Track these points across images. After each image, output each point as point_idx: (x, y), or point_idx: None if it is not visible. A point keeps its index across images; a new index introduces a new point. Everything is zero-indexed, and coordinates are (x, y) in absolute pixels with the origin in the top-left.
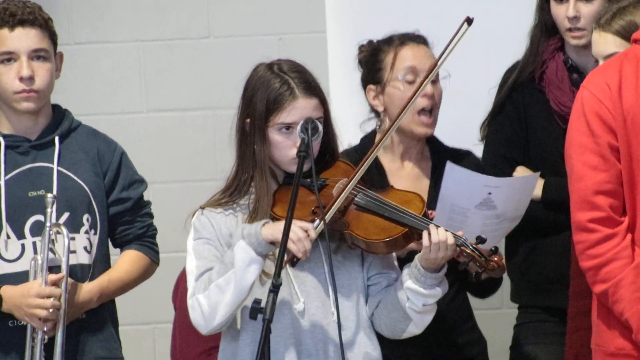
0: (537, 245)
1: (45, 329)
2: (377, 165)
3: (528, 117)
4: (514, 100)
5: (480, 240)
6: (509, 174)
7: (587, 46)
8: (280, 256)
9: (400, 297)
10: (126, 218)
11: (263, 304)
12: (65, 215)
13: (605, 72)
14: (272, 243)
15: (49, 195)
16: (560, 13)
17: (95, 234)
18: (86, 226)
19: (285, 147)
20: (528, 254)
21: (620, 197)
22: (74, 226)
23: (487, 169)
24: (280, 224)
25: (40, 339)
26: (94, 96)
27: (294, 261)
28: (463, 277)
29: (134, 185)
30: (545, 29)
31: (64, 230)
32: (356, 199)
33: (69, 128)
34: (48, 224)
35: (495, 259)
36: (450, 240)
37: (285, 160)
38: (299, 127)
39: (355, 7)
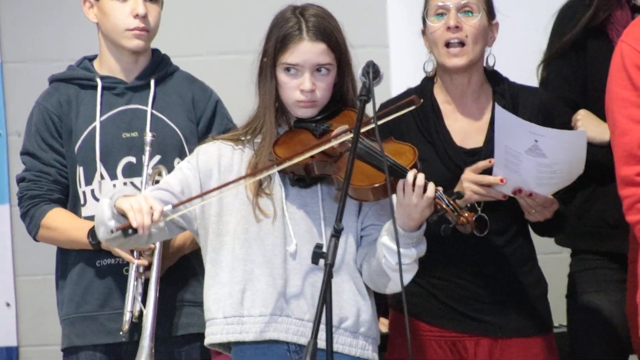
0: (596, 190)
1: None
2: (433, 107)
3: (589, 61)
4: (576, 43)
5: (458, 195)
6: (570, 116)
7: None
8: (342, 201)
9: (378, 252)
10: None
11: (324, 249)
12: (157, 158)
13: None
14: (124, 215)
15: (149, 133)
16: None
17: None
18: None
19: (289, 89)
20: (587, 199)
21: None
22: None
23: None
24: (133, 198)
25: (134, 275)
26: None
27: (128, 232)
28: (522, 218)
29: None
30: None
31: (164, 171)
32: (350, 146)
33: (165, 72)
34: (146, 163)
35: (466, 214)
36: (430, 192)
37: (289, 102)
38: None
39: None
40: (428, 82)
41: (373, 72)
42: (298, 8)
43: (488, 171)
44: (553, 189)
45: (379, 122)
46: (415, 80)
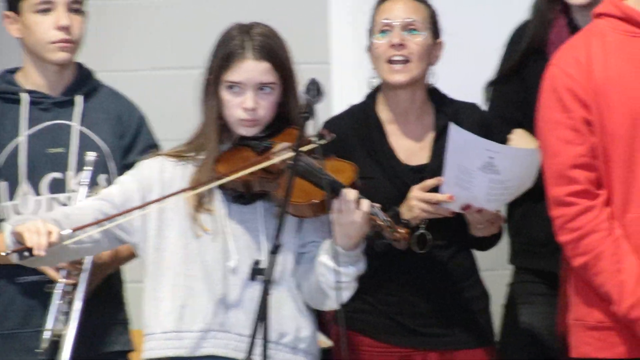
0: (529, 208)
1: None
2: (376, 125)
3: (531, 82)
4: (520, 65)
5: (394, 211)
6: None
7: (590, 5)
8: (281, 218)
9: (317, 270)
10: None
11: (263, 265)
12: (82, 174)
13: (574, 48)
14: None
15: (92, 153)
16: None
17: None
18: (102, 187)
19: (231, 107)
20: (521, 217)
21: (596, 170)
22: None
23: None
24: (28, 224)
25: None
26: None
27: (24, 255)
28: (464, 232)
29: (152, 150)
30: None
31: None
32: (290, 163)
33: (91, 87)
34: (87, 182)
35: (402, 231)
36: (365, 208)
37: (232, 120)
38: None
39: None
40: (371, 100)
41: (315, 89)
42: (244, 26)
43: (435, 188)
44: (501, 204)
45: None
46: (356, 97)
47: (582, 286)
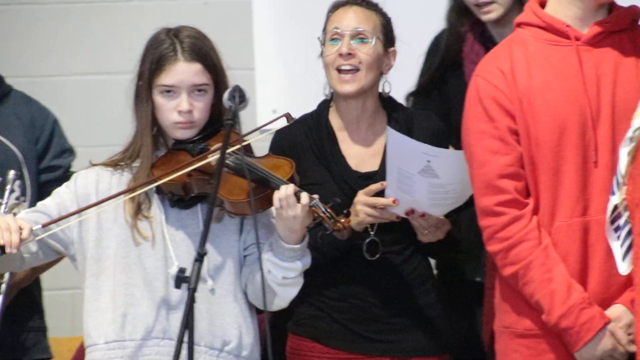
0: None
1: None
2: (328, 132)
3: (449, 94)
4: (437, 77)
5: (334, 202)
6: None
7: (500, 20)
8: (206, 225)
9: (262, 268)
10: (56, 186)
11: (188, 273)
12: None
13: (497, 58)
14: None
15: (12, 172)
16: None
17: (25, 200)
18: (17, 192)
19: (166, 110)
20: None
21: (524, 179)
22: (3, 191)
23: None
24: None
25: None
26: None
27: None
28: (417, 239)
29: (65, 154)
30: (460, 9)
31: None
32: (227, 162)
33: (2, 92)
34: (5, 200)
35: (343, 220)
36: (305, 201)
37: (167, 124)
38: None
39: None
40: (325, 107)
41: (239, 96)
42: (172, 30)
43: (382, 194)
44: (446, 209)
45: (249, 138)
46: (281, 103)
47: (510, 294)
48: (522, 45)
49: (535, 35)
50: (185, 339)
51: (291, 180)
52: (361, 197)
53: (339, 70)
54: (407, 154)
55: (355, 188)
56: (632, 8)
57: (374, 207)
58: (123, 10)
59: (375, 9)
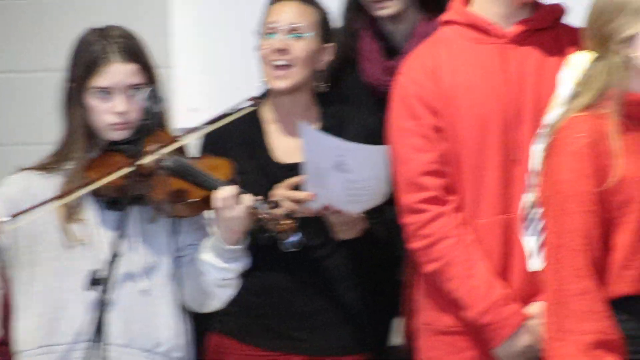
0: None
1: None
2: (258, 123)
3: (349, 95)
4: (333, 80)
5: (275, 204)
6: None
7: (396, 16)
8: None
9: (201, 269)
10: None
11: (100, 275)
12: None
13: (421, 56)
14: None
15: None
16: None
17: None
18: None
19: (101, 112)
20: None
21: (447, 177)
22: None
23: None
24: None
25: None
26: None
27: None
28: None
29: None
30: (355, 7)
31: None
32: (164, 164)
33: None
34: None
35: (287, 221)
36: (247, 202)
37: (102, 125)
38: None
39: None
40: (261, 98)
41: (154, 96)
42: (101, 30)
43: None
44: (362, 206)
45: (215, 125)
46: (199, 102)
47: (431, 291)
48: (446, 44)
49: (460, 33)
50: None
51: (231, 181)
52: (279, 190)
53: (273, 65)
54: (321, 149)
55: (276, 179)
56: (556, 6)
57: (292, 200)
58: (37, 6)
59: (314, 4)
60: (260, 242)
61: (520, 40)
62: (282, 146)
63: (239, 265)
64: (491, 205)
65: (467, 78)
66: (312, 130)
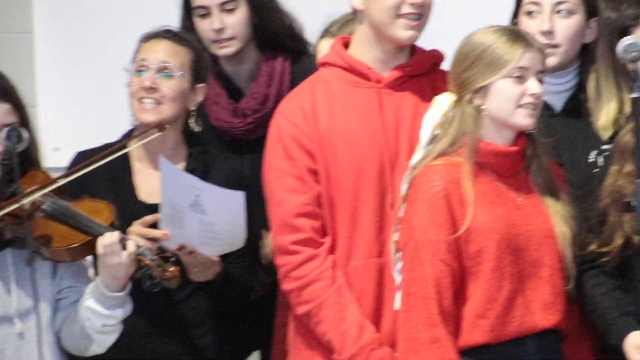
0: None
1: None
2: (124, 161)
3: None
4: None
5: (161, 250)
6: None
7: (236, 56)
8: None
9: (82, 314)
10: None
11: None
12: None
13: (299, 97)
14: None
15: None
16: (205, 27)
17: None
18: None
19: None
20: None
21: (321, 219)
22: None
23: None
24: None
25: None
26: None
27: None
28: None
29: None
30: None
31: None
32: (42, 206)
33: None
34: None
35: (171, 269)
36: (132, 249)
37: None
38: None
39: (65, 8)
40: (128, 135)
41: (16, 136)
42: None
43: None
44: (216, 250)
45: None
46: (65, 140)
47: (304, 332)
48: (324, 85)
49: (338, 75)
50: None
51: (112, 225)
52: (135, 227)
53: (141, 102)
54: (179, 187)
55: (138, 218)
56: (433, 52)
57: (146, 238)
58: None
59: (187, 44)
60: (144, 288)
61: (396, 85)
62: (148, 185)
63: (122, 311)
64: (365, 248)
65: (344, 121)
66: (171, 167)
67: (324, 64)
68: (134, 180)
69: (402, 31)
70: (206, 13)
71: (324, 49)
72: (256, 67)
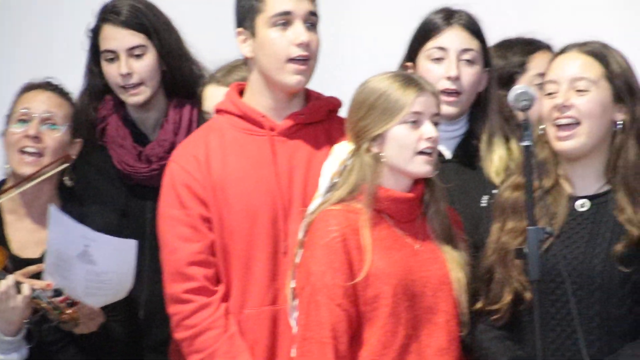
0: None
1: None
2: None
3: (89, 180)
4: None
5: (57, 293)
6: None
7: (144, 104)
8: None
9: None
10: None
11: None
12: None
13: (193, 145)
14: None
15: None
16: (113, 72)
17: None
18: None
19: None
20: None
21: (214, 267)
22: None
23: None
24: None
25: None
26: None
27: None
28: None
29: None
30: (95, 92)
31: None
32: None
33: None
34: None
35: (69, 311)
36: (27, 292)
37: None
38: None
39: None
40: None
41: None
42: None
43: None
44: (100, 300)
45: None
46: None
47: None
48: (219, 133)
49: (232, 123)
50: None
51: (5, 269)
52: (16, 276)
53: (22, 152)
54: (67, 236)
55: (9, 273)
56: (329, 99)
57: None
58: None
59: (68, 98)
60: (42, 332)
61: (290, 133)
62: (19, 239)
63: (17, 356)
64: (259, 296)
65: (237, 169)
66: (61, 216)
67: (218, 111)
68: (5, 233)
69: (290, 76)
70: (114, 57)
71: (209, 95)
72: (163, 114)
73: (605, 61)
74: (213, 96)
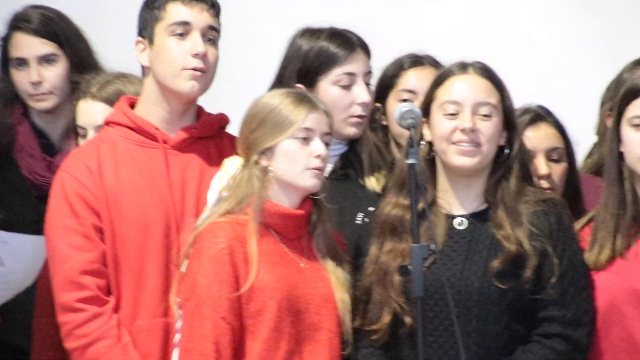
0: None
1: None
2: None
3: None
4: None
5: None
6: None
7: (52, 111)
8: None
9: None
10: None
11: None
12: None
13: (84, 155)
14: None
15: None
16: (22, 79)
17: None
18: None
19: None
20: None
21: (106, 277)
22: None
23: None
24: None
25: None
26: None
27: None
28: None
29: None
30: (6, 99)
31: None
32: None
33: None
34: None
35: None
36: None
37: None
38: None
39: None
40: None
41: None
42: None
43: None
44: (1, 300)
45: None
46: None
47: None
48: (110, 144)
49: (124, 135)
50: None
51: None
52: None
53: None
54: None
55: None
56: (220, 116)
57: None
58: None
59: None
60: None
61: (183, 146)
62: None
63: None
64: (151, 307)
65: (130, 180)
66: None
67: (108, 123)
68: None
69: (184, 82)
70: (24, 65)
71: (84, 110)
72: (72, 123)
73: (501, 88)
74: (88, 111)
